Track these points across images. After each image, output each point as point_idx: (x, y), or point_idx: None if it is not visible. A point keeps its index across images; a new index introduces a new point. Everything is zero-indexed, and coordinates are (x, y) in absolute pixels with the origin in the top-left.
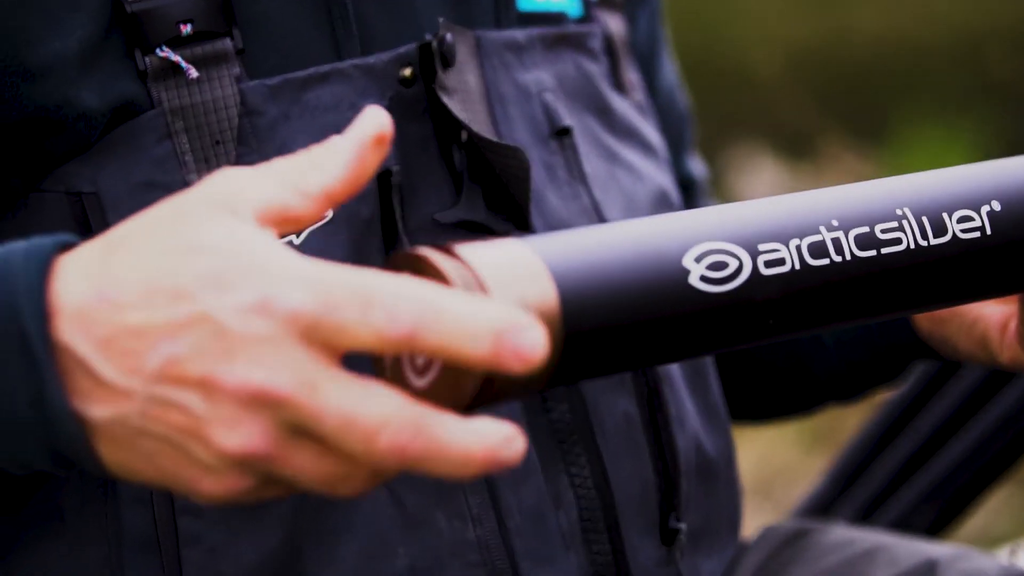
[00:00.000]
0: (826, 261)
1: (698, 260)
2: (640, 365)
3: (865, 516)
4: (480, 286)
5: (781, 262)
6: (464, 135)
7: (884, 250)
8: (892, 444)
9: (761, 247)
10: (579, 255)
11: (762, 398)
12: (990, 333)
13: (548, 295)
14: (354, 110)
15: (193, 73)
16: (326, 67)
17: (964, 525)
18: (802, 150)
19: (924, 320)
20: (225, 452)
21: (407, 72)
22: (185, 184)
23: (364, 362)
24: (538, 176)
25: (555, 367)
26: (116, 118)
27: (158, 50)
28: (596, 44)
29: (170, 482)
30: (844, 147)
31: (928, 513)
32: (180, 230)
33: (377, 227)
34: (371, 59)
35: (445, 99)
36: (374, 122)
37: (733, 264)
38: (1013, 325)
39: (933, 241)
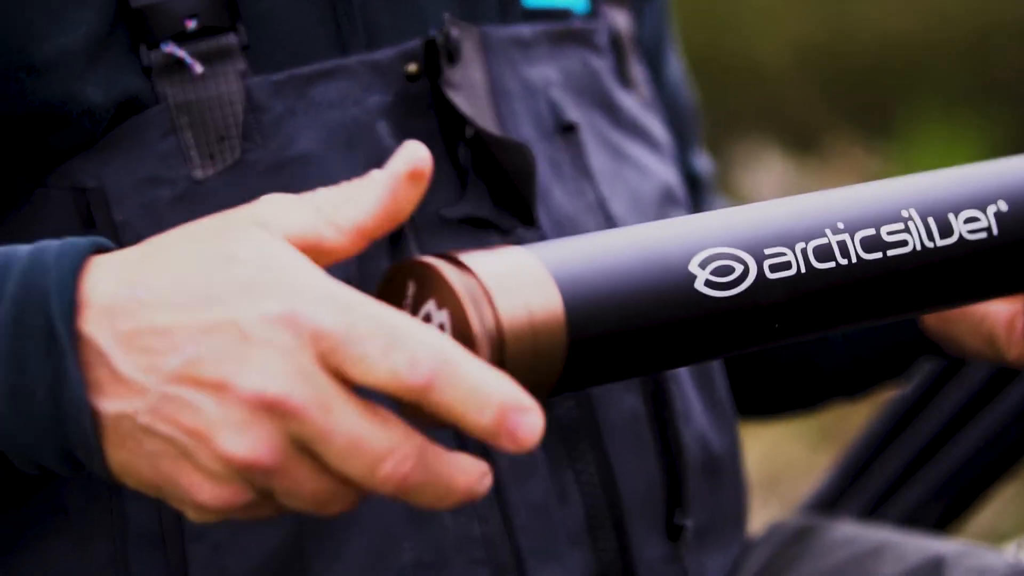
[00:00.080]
0: (832, 264)
1: (703, 265)
2: (645, 372)
3: (872, 512)
4: (486, 295)
5: (787, 266)
6: (469, 131)
7: (890, 252)
8: (899, 439)
9: (766, 251)
10: (584, 262)
11: (768, 394)
12: (997, 331)
13: (552, 303)
14: (359, 106)
15: (198, 69)
16: (331, 63)
17: (970, 521)
18: (809, 146)
19: (930, 318)
20: (230, 458)
21: (412, 68)
22: (190, 180)
23: None
24: (544, 172)
25: (560, 375)
26: (121, 113)
27: (163, 46)
28: (602, 40)
29: (169, 488)
30: (851, 143)
31: (935, 509)
32: (216, 240)
33: None
34: (376, 55)
35: (450, 95)
36: (410, 157)
37: (739, 269)
38: (1020, 323)
39: (939, 242)
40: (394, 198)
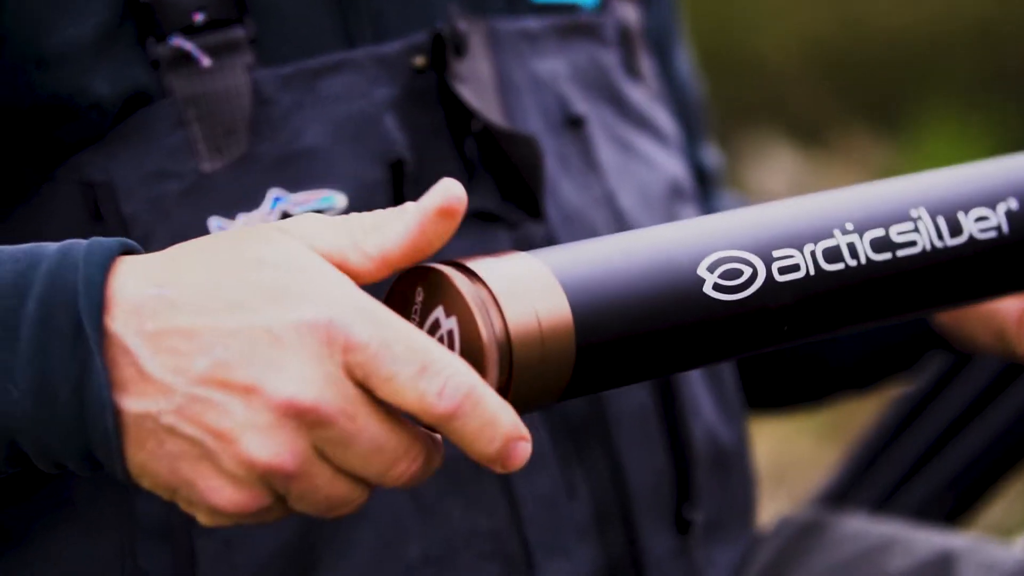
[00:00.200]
0: (841, 266)
1: (712, 269)
2: (654, 375)
3: (882, 505)
4: (494, 303)
5: (795, 268)
6: (477, 124)
7: (900, 253)
8: (909, 433)
9: (775, 253)
10: (591, 267)
11: (777, 388)
12: (1007, 326)
13: (560, 309)
14: (366, 99)
15: (206, 62)
16: (339, 56)
17: (980, 516)
18: (817, 139)
19: (939, 314)
20: (253, 461)
21: (419, 61)
22: (197, 173)
23: None
24: (552, 165)
25: (568, 381)
26: (129, 107)
27: (171, 39)
28: (610, 33)
29: (185, 490)
30: (859, 136)
31: (945, 502)
32: (245, 245)
33: None
34: (383, 48)
35: (458, 88)
36: (445, 194)
37: (747, 272)
38: None
39: (949, 242)
40: (423, 232)
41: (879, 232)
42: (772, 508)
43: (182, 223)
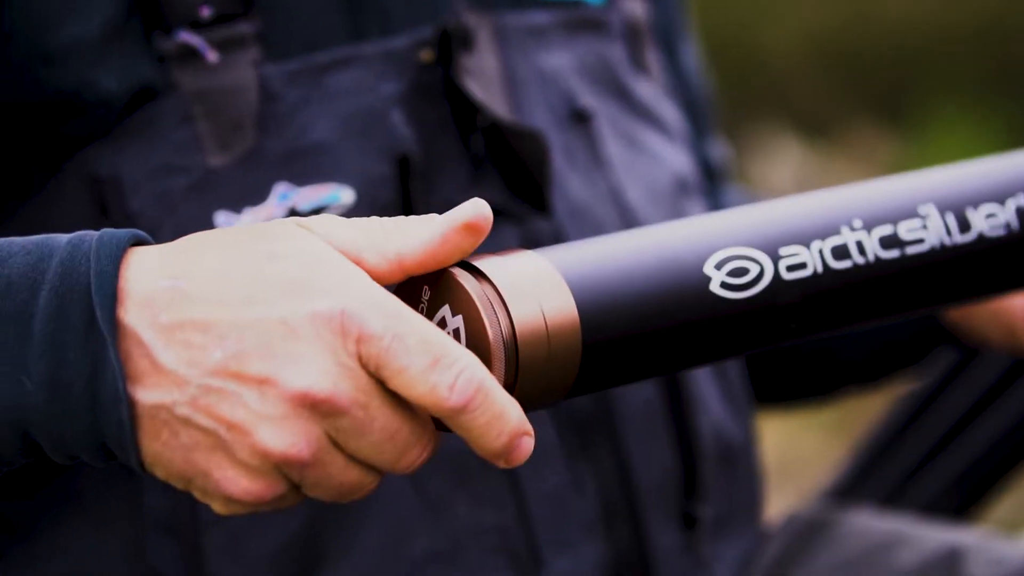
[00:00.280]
0: (849, 264)
1: (719, 267)
2: (660, 373)
3: (889, 500)
4: (500, 301)
5: (803, 266)
6: (483, 119)
7: (908, 250)
8: (917, 428)
9: (782, 251)
10: (597, 266)
11: (786, 383)
12: (1016, 322)
13: (566, 307)
14: (373, 94)
15: (212, 57)
16: (345, 51)
17: (988, 511)
18: (823, 133)
19: (949, 310)
20: (268, 452)
21: (426, 56)
22: (204, 168)
23: None
24: (558, 160)
25: (575, 379)
26: (135, 102)
27: (177, 34)
28: (617, 28)
29: (199, 480)
30: (865, 130)
31: (954, 497)
32: (259, 238)
33: (398, 213)
34: (390, 42)
35: (465, 83)
36: (475, 209)
37: (754, 270)
38: None
39: (959, 239)
40: (445, 241)
41: (888, 229)
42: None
43: (189, 218)
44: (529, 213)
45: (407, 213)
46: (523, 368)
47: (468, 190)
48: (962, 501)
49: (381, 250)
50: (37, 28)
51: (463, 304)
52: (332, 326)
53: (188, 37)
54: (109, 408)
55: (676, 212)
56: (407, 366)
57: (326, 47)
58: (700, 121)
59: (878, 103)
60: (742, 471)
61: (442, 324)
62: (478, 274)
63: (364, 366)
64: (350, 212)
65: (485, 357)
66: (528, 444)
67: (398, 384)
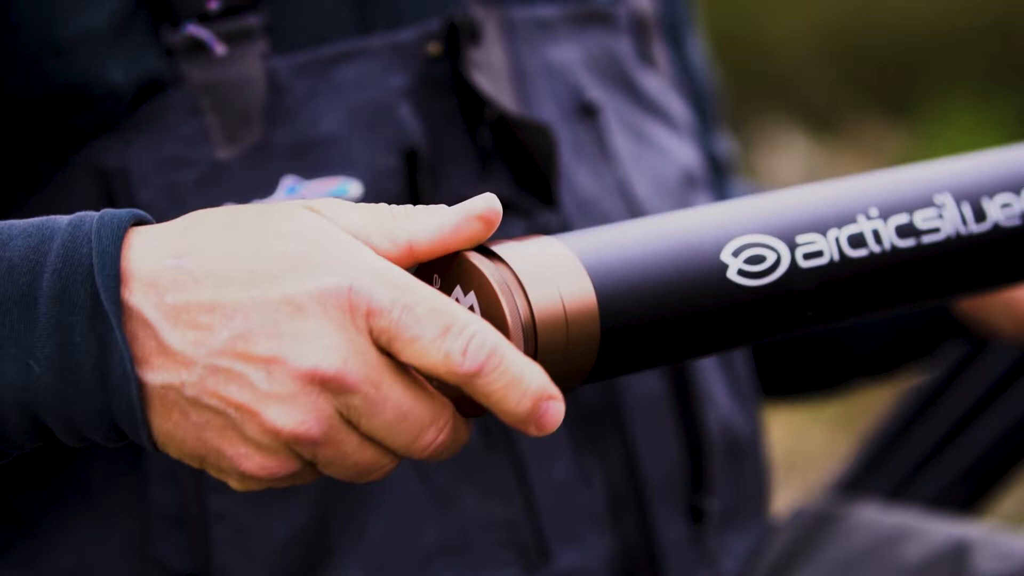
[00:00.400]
0: (865, 252)
1: (736, 254)
2: (677, 359)
3: (896, 493)
4: (518, 285)
5: (819, 254)
6: (491, 112)
7: (924, 239)
8: (924, 421)
9: (799, 239)
10: (615, 252)
11: (795, 375)
12: None
13: (585, 292)
14: (380, 87)
15: (220, 50)
16: (353, 44)
17: (994, 504)
18: (830, 127)
19: (963, 299)
20: (277, 431)
21: (434, 49)
22: (212, 161)
23: None
24: (566, 153)
25: (593, 363)
26: (143, 94)
27: (185, 27)
28: (624, 21)
29: (213, 458)
30: (872, 124)
31: (960, 491)
32: (263, 217)
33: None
34: (398, 35)
35: (473, 76)
36: (487, 202)
37: (771, 257)
38: None
39: (974, 228)
40: (457, 230)
41: (904, 218)
42: (785, 497)
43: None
44: (536, 206)
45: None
46: (542, 352)
47: (476, 183)
48: (969, 495)
49: (391, 235)
50: (45, 20)
51: (480, 288)
52: (340, 302)
53: (196, 30)
54: (118, 389)
55: (683, 205)
56: (418, 335)
57: (334, 40)
58: (707, 115)
59: (885, 97)
60: (749, 464)
61: None
62: (495, 258)
63: (375, 341)
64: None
65: None
66: (556, 409)
67: (411, 355)
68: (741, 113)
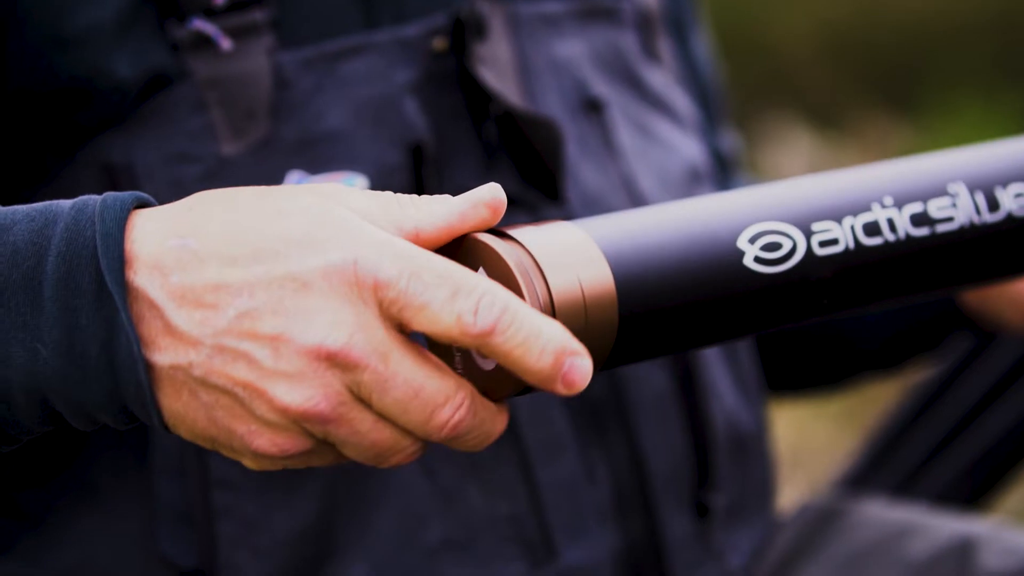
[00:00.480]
0: (880, 240)
1: (752, 241)
2: (694, 346)
3: (901, 489)
4: (537, 269)
5: (835, 242)
6: (496, 107)
7: (938, 228)
8: (929, 417)
9: (815, 227)
10: (633, 238)
11: (801, 369)
12: None
13: (603, 278)
14: (386, 82)
15: (226, 44)
16: (359, 39)
17: (1000, 500)
18: (834, 122)
19: (969, 292)
20: (285, 408)
21: (440, 44)
22: (218, 156)
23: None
24: (571, 149)
25: (610, 350)
26: (149, 89)
27: (191, 21)
28: (629, 16)
29: (224, 437)
30: (876, 120)
31: (965, 487)
32: (269, 195)
33: None
34: (404, 30)
35: (479, 71)
36: (492, 191)
37: (787, 245)
38: None
39: (988, 218)
40: (463, 217)
41: (918, 207)
42: (790, 493)
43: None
44: (542, 202)
45: None
46: None
47: (481, 178)
48: (975, 490)
49: (397, 222)
50: (51, 14)
51: (498, 272)
52: (346, 278)
53: (202, 25)
54: (127, 371)
55: None
56: (428, 301)
57: (339, 35)
58: (712, 110)
59: (889, 92)
60: (754, 460)
61: None
62: (511, 241)
63: (386, 314)
64: None
65: None
66: (583, 365)
67: (422, 322)
68: (746, 109)
